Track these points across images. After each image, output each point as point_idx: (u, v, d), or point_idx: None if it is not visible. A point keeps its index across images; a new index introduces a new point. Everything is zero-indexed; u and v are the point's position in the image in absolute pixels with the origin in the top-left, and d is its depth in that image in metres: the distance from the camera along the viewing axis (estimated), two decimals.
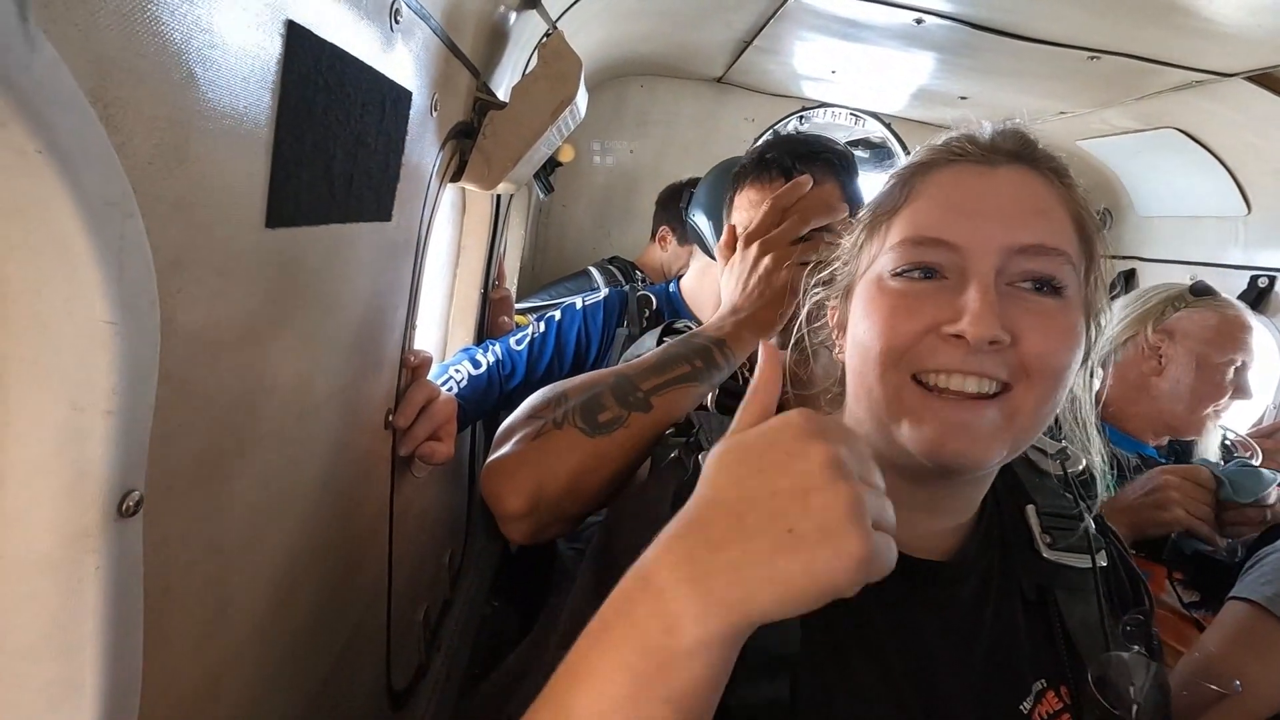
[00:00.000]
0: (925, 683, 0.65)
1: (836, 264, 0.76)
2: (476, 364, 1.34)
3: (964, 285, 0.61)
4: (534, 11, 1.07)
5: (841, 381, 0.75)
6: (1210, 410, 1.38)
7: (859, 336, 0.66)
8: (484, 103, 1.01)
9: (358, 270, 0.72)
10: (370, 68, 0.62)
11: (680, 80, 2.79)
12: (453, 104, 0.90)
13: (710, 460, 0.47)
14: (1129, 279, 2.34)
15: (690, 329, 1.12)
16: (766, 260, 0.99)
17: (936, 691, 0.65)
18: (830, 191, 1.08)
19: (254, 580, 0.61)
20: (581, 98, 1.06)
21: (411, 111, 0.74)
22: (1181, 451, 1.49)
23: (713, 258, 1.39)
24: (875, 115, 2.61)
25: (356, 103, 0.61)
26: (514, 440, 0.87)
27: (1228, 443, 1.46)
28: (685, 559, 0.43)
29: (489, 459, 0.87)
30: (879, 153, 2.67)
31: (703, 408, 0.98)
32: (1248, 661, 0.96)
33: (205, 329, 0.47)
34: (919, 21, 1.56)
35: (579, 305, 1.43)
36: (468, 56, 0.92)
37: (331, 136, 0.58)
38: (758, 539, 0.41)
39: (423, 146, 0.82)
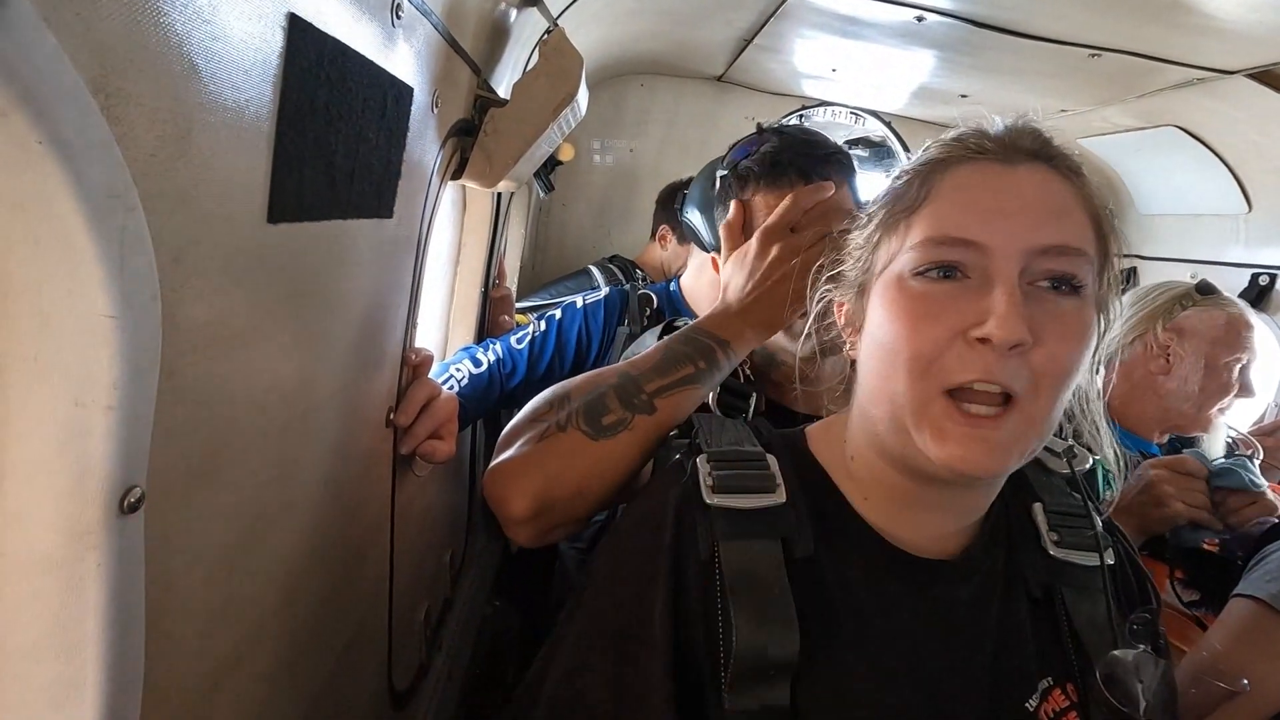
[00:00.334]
0: (930, 682, 0.65)
1: (846, 261, 0.75)
2: (477, 363, 1.33)
3: (987, 285, 0.60)
4: (535, 9, 1.07)
5: (849, 378, 0.75)
6: (1216, 409, 1.38)
7: (882, 338, 0.65)
8: (485, 100, 1.01)
9: (359, 267, 0.72)
10: (372, 63, 0.62)
11: (680, 79, 2.78)
12: (453, 101, 0.90)
13: None
14: (1130, 277, 2.34)
15: None
16: (776, 248, 0.97)
17: (941, 691, 0.65)
18: (846, 196, 1.07)
19: (256, 578, 0.61)
20: (582, 95, 1.06)
21: (413, 108, 0.74)
22: (1183, 450, 1.49)
23: (705, 249, 1.39)
24: (875, 114, 2.61)
25: (358, 98, 0.61)
26: (518, 444, 0.86)
27: (1230, 440, 1.46)
28: None
29: (493, 463, 0.86)
30: (879, 151, 2.66)
31: (705, 407, 0.98)
32: (1254, 659, 0.96)
33: (207, 325, 0.47)
34: (920, 19, 1.56)
35: (579, 304, 1.43)
36: (468, 53, 0.92)
37: (333, 132, 0.58)
38: None
39: (424, 143, 0.82)
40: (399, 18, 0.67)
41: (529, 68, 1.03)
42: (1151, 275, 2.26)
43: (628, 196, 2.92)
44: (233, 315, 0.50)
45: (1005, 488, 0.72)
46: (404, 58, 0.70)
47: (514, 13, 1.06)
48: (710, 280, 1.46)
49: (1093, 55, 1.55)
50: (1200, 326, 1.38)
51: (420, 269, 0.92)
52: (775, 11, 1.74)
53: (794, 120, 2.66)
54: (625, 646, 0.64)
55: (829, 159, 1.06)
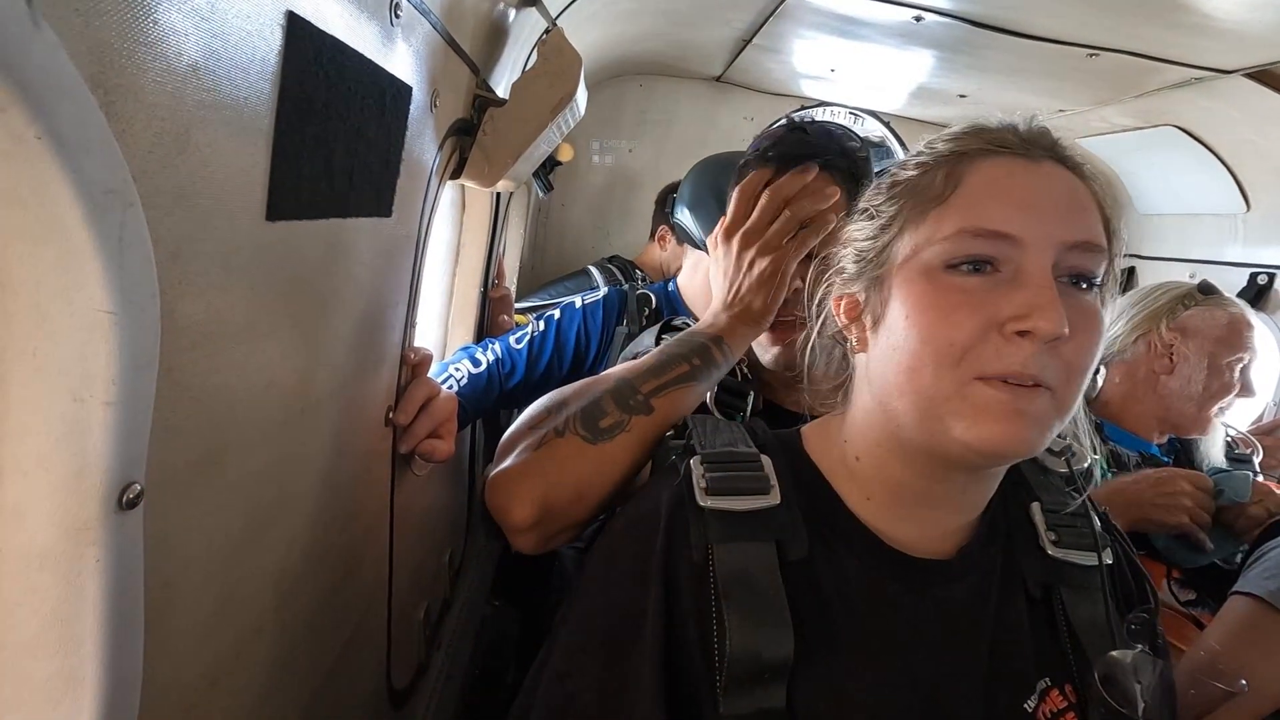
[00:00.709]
0: (927, 684, 0.64)
1: (846, 254, 0.73)
2: (476, 362, 1.33)
3: (1019, 279, 0.60)
4: (533, 9, 1.07)
5: (844, 378, 0.74)
6: (1216, 408, 1.38)
7: (909, 330, 0.63)
8: (483, 99, 1.01)
9: (358, 266, 0.72)
10: (370, 61, 0.62)
11: (679, 79, 2.79)
12: (452, 100, 0.90)
13: None
14: (1128, 277, 2.34)
15: (689, 325, 1.11)
16: (761, 263, 0.97)
17: (939, 693, 0.64)
18: (825, 181, 1.04)
19: (255, 576, 0.61)
20: (581, 95, 1.06)
21: (411, 107, 0.74)
22: (1181, 449, 1.49)
23: (698, 247, 1.39)
24: (874, 114, 2.62)
25: (357, 96, 0.61)
26: (516, 451, 0.86)
27: (1229, 439, 1.46)
28: None
29: (492, 472, 0.86)
30: (878, 151, 2.67)
31: (703, 408, 0.98)
32: (1253, 657, 0.96)
33: (206, 321, 0.47)
34: (918, 19, 1.56)
35: (578, 304, 1.43)
36: (467, 53, 0.92)
37: (332, 130, 0.58)
38: None
39: (422, 143, 0.82)
40: (397, 17, 0.67)
41: (528, 68, 1.04)
42: (1150, 275, 2.27)
43: (626, 197, 2.92)
44: (231, 312, 0.50)
45: (1003, 485, 0.72)
46: (402, 57, 0.70)
47: (513, 13, 1.06)
48: (705, 278, 1.46)
49: (1091, 55, 1.55)
50: (1203, 326, 1.38)
51: (419, 268, 0.92)
52: (774, 11, 1.75)
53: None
54: (615, 650, 0.63)
55: (845, 152, 1.05)
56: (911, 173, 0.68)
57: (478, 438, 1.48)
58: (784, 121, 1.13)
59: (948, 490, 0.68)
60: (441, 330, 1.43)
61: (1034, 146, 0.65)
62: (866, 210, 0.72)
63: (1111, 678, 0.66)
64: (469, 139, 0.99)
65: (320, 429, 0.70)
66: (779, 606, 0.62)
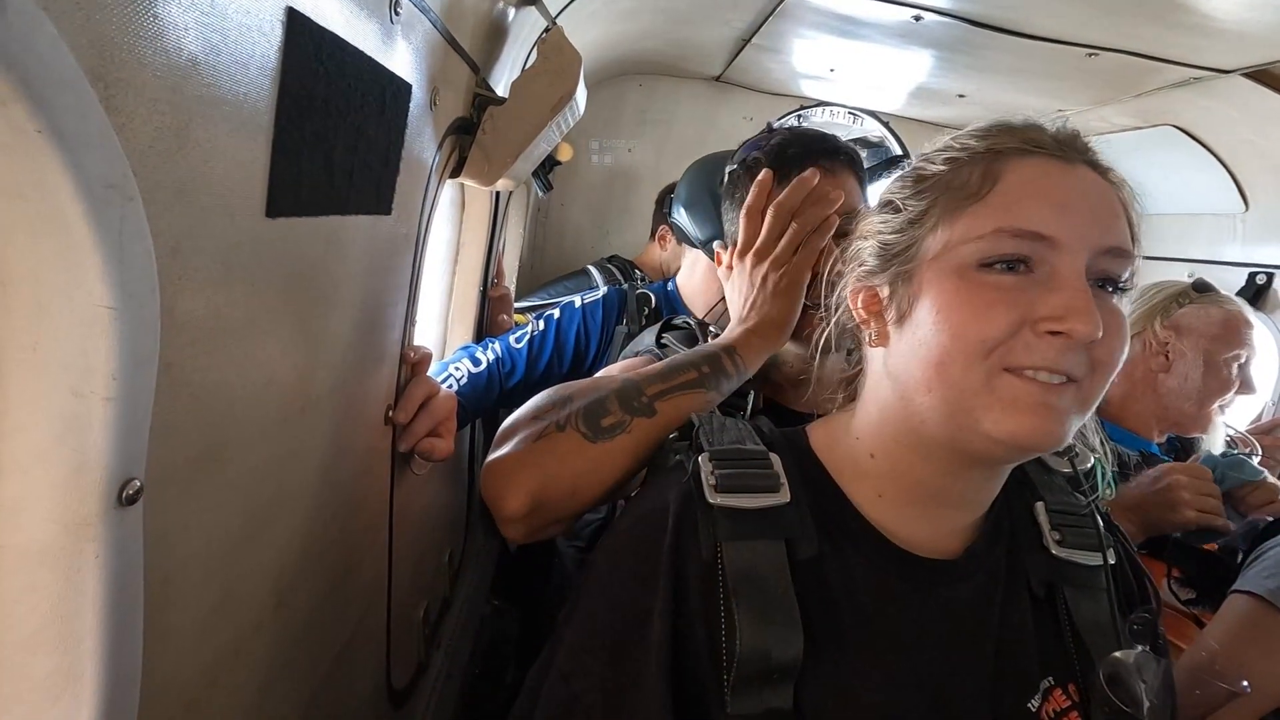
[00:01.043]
0: (934, 684, 0.64)
1: (870, 245, 0.72)
2: (476, 361, 1.33)
3: (1053, 279, 0.60)
4: (533, 8, 1.07)
5: (853, 375, 0.74)
6: (1216, 406, 1.38)
7: (940, 325, 0.62)
8: (483, 98, 1.01)
9: (358, 264, 0.72)
10: (370, 59, 0.62)
11: (679, 79, 2.79)
12: (452, 99, 0.90)
13: None
14: None
15: (688, 325, 1.11)
16: (774, 276, 0.97)
17: (945, 692, 0.64)
18: (854, 191, 1.05)
19: (254, 574, 0.61)
20: (581, 93, 1.06)
21: (411, 105, 0.74)
22: (1182, 448, 1.49)
23: (695, 246, 1.39)
24: (874, 114, 2.61)
25: (356, 93, 0.61)
26: (515, 440, 0.86)
27: (1228, 439, 1.47)
28: None
29: (489, 457, 0.86)
30: (877, 151, 2.67)
31: None
32: (1253, 656, 0.96)
33: (205, 318, 0.47)
34: (918, 19, 1.56)
35: (578, 304, 1.43)
36: (467, 52, 0.92)
37: (332, 127, 0.58)
38: None
39: (422, 141, 0.82)
40: (397, 14, 0.67)
41: (527, 66, 1.03)
42: (1149, 275, 2.25)
43: (626, 196, 2.92)
44: (231, 309, 0.50)
45: (1006, 485, 0.72)
46: (402, 55, 0.70)
47: (512, 11, 1.06)
48: (703, 277, 1.46)
49: (1090, 55, 1.55)
50: (1197, 323, 1.38)
51: (419, 267, 0.92)
52: (773, 11, 1.75)
53: (792, 121, 2.66)
54: (620, 650, 0.63)
55: (837, 152, 1.05)
56: (941, 168, 0.67)
57: (477, 437, 1.48)
58: (763, 131, 1.13)
59: (964, 488, 0.68)
60: (441, 329, 1.43)
61: (1069, 149, 0.65)
62: (891, 203, 0.71)
63: (1116, 677, 0.66)
64: (469, 137, 0.99)
65: (320, 427, 0.69)
66: (789, 606, 0.61)
